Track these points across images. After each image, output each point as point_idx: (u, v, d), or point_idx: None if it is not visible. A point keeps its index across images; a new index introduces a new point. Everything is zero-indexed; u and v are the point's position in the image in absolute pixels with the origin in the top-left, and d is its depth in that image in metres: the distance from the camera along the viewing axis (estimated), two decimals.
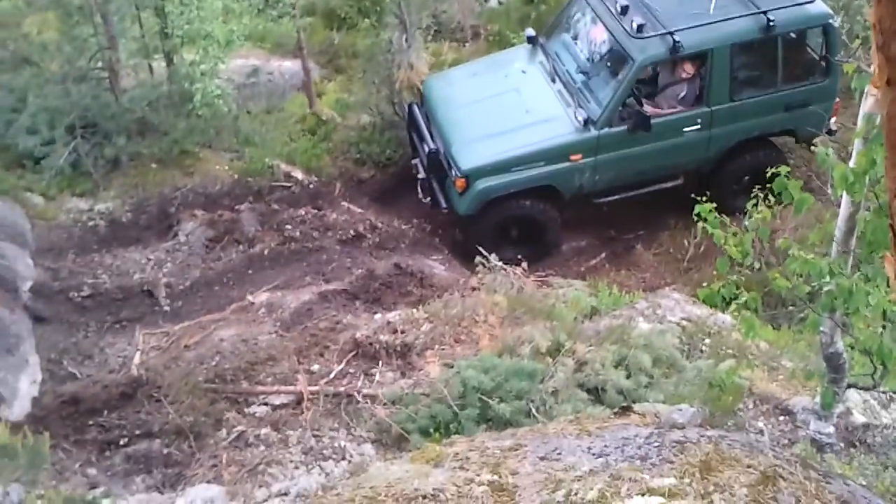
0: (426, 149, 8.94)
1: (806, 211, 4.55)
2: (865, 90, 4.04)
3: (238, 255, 8.46)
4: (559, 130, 8.73)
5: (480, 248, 8.03)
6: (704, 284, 4.60)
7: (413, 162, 9.56)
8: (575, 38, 9.48)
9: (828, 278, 4.10)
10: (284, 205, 9.20)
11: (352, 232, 8.83)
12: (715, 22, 8.57)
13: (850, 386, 5.19)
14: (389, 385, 6.40)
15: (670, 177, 9.21)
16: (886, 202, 3.78)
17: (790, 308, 7.28)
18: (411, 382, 6.40)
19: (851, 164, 4.08)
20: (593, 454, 3.80)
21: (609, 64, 8.94)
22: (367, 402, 6.24)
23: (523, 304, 7.25)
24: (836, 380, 5.02)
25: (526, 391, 5.85)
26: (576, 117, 8.68)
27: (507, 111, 8.97)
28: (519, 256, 8.30)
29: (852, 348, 5.05)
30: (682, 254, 9.00)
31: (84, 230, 8.65)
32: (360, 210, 9.44)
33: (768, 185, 4.44)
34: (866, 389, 5.46)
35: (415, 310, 7.26)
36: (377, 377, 6.55)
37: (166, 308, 7.86)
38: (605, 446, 3.84)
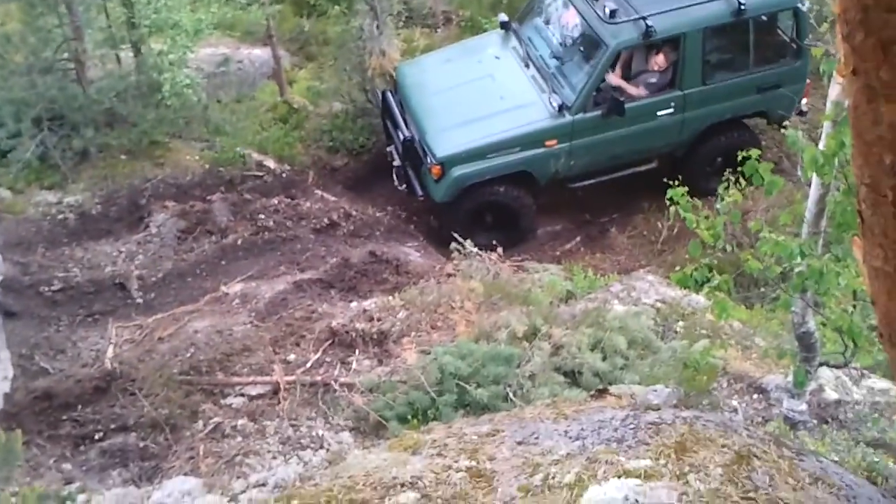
0: (401, 136, 8.91)
1: (777, 192, 4.59)
2: (833, 74, 4.08)
3: (211, 245, 8.40)
4: (534, 116, 8.74)
5: (455, 235, 8.03)
6: (678, 268, 4.64)
7: (388, 149, 9.53)
8: (547, 22, 9.47)
9: (799, 259, 4.15)
10: (257, 194, 9.13)
11: (326, 220, 8.79)
12: (687, 6, 8.61)
13: (822, 364, 5.26)
14: (366, 373, 6.40)
15: (644, 160, 9.25)
16: (855, 184, 3.83)
17: (762, 289, 7.36)
18: (388, 370, 6.40)
19: (821, 146, 4.12)
20: (570, 437, 3.82)
21: (582, 49, 8.94)
22: (344, 391, 6.24)
23: (499, 290, 7.27)
24: (808, 358, 5.09)
25: (503, 376, 5.88)
26: (550, 103, 8.68)
27: (482, 98, 8.96)
28: (494, 242, 8.30)
29: (824, 326, 5.12)
30: (656, 236, 9.07)
31: (53, 223, 8.54)
32: (333, 198, 9.40)
33: (740, 168, 4.47)
34: (838, 367, 5.54)
35: (391, 297, 7.26)
36: (354, 365, 6.54)
37: (139, 300, 7.78)
38: (582, 429, 3.87)
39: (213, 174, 9.31)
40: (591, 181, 9.17)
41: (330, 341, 6.76)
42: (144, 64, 9.21)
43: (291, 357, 6.67)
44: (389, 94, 9.42)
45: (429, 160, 8.64)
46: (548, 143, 8.72)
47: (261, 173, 9.52)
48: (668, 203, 4.72)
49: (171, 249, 8.36)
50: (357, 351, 6.69)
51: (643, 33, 8.43)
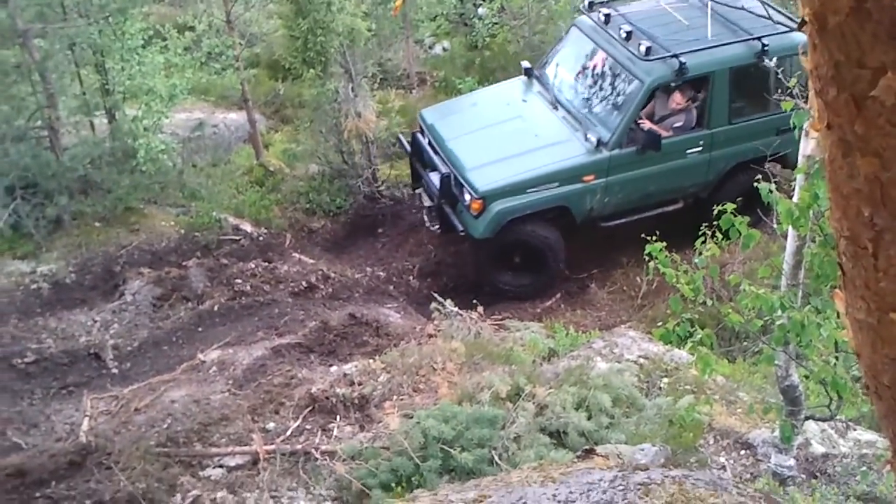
0: (440, 173, 8.95)
1: (754, 245, 4.59)
2: (804, 127, 4.12)
3: (187, 312, 8.28)
4: (571, 152, 8.91)
5: (485, 276, 8.39)
6: (659, 323, 4.60)
7: (416, 192, 9.66)
8: (572, 67, 9.71)
9: (780, 312, 4.13)
10: (233, 259, 9.06)
11: (304, 283, 8.71)
12: (714, 46, 8.85)
13: (807, 417, 5.21)
14: (348, 440, 6.26)
15: (671, 200, 9.38)
16: (832, 235, 3.84)
17: (744, 342, 7.34)
18: (370, 436, 6.26)
19: (795, 198, 4.14)
20: (559, 501, 3.74)
21: (615, 87, 9.15)
22: (325, 459, 6.09)
23: (481, 350, 7.20)
24: (794, 412, 5.04)
25: (487, 438, 5.77)
26: (587, 139, 8.85)
27: (516, 136, 9.13)
28: (522, 284, 8.67)
29: (807, 379, 5.09)
30: (636, 291, 9.06)
31: (27, 293, 8.40)
32: (311, 260, 9.34)
33: (716, 223, 4.48)
34: (823, 420, 5.49)
35: (371, 360, 7.16)
36: (335, 432, 6.41)
37: (114, 371, 7.63)
38: (571, 492, 3.79)
39: (188, 239, 9.24)
40: (622, 220, 9.24)
41: (310, 408, 6.62)
42: (119, 130, 9.21)
43: (271, 425, 6.52)
44: (419, 136, 9.52)
45: (467, 196, 8.69)
46: (585, 178, 8.87)
47: (237, 237, 9.47)
48: (646, 258, 4.71)
49: (146, 317, 8.23)
50: (338, 417, 6.56)
51: (676, 71, 8.66)
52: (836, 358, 4.24)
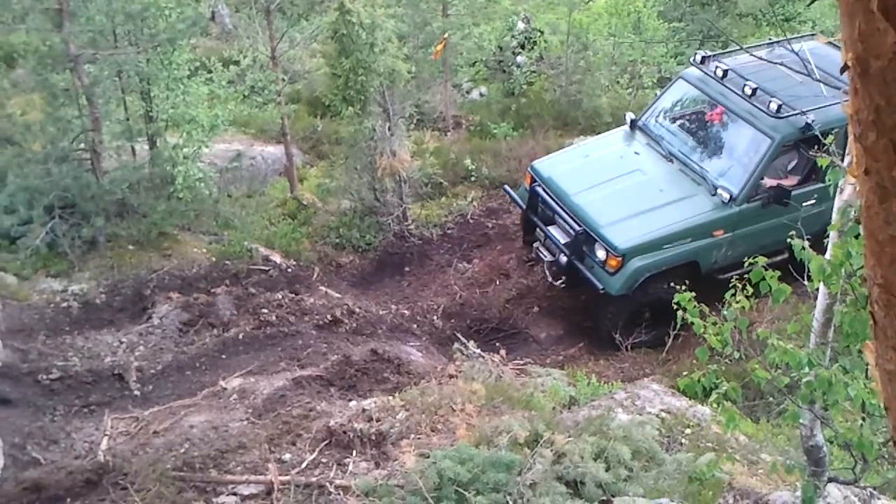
0: (571, 229, 8.96)
1: (783, 303, 4.56)
2: (840, 184, 4.12)
3: (212, 338, 8.34)
4: (701, 207, 8.97)
5: (615, 334, 8.37)
6: (684, 374, 4.56)
7: (534, 245, 9.60)
8: (680, 119, 9.79)
9: (807, 369, 4.08)
10: (261, 288, 9.14)
11: (329, 317, 8.75)
12: (830, 105, 8.84)
13: (830, 480, 5.10)
14: (363, 475, 6.23)
15: (780, 251, 9.40)
16: (863, 294, 3.81)
17: (769, 400, 7.23)
18: (385, 473, 6.23)
19: (827, 255, 4.11)
20: None
21: (736, 142, 9.23)
22: (339, 494, 6.06)
23: (501, 393, 7.16)
24: (817, 473, 4.94)
25: (503, 483, 5.71)
26: (716, 193, 8.89)
27: (641, 190, 9.16)
28: (644, 340, 8.74)
29: (832, 442, 4.99)
30: (661, 344, 8.98)
31: (56, 311, 8.52)
32: (337, 295, 9.39)
33: (746, 276, 4.46)
34: (847, 484, 5.37)
35: (391, 397, 7.14)
36: (350, 467, 6.38)
37: (136, 392, 7.68)
38: None
39: (219, 267, 9.34)
40: (736, 272, 9.23)
41: (327, 441, 6.61)
42: (159, 157, 9.39)
43: (287, 456, 6.51)
44: (540, 190, 9.46)
45: (601, 253, 8.71)
46: (716, 232, 8.95)
47: (266, 268, 9.55)
48: (674, 309, 4.68)
49: (172, 341, 8.30)
50: (354, 452, 6.53)
51: (802, 128, 8.74)
52: (863, 419, 4.17)
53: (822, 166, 4.73)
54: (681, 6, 14.51)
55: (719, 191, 8.89)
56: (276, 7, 10.54)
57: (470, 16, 12.54)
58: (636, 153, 9.66)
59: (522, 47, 14.09)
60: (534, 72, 13.91)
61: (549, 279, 9.42)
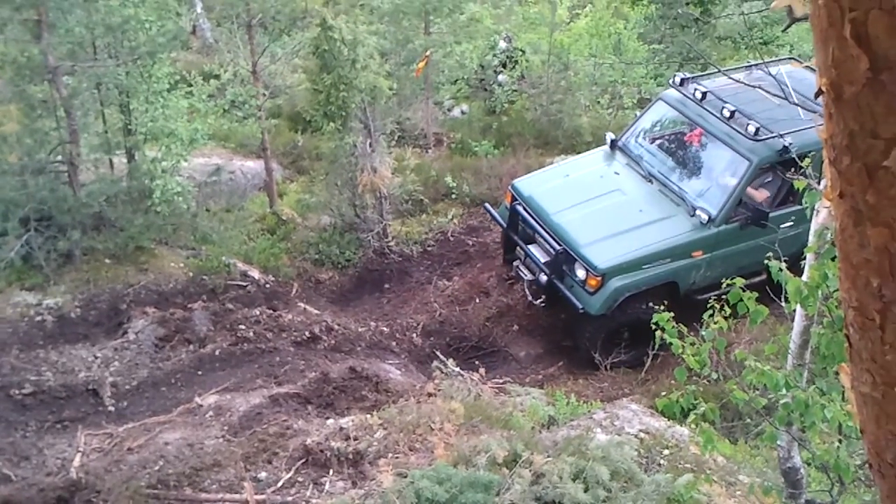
0: (551, 248, 8.96)
1: (760, 324, 4.57)
2: (816, 206, 4.14)
3: (188, 354, 8.25)
4: (680, 228, 9.00)
5: (594, 353, 8.38)
6: (663, 394, 4.55)
7: (514, 264, 9.60)
8: (659, 140, 9.85)
9: (784, 391, 4.09)
10: (239, 304, 9.06)
11: (307, 333, 8.68)
12: (807, 128, 8.91)
13: (807, 502, 5.11)
14: (339, 495, 6.17)
15: (758, 272, 9.45)
16: (840, 316, 3.83)
17: (747, 421, 7.24)
18: (363, 493, 6.17)
19: (804, 277, 4.13)
20: None
21: (715, 164, 9.29)
22: None
23: (480, 412, 7.12)
24: (794, 495, 4.95)
25: None
26: (695, 214, 8.95)
27: (621, 211, 9.18)
28: (623, 360, 8.78)
29: (809, 464, 5.00)
30: (640, 364, 8.98)
31: (30, 325, 8.40)
32: (316, 311, 9.33)
33: (724, 297, 4.47)
34: None
35: (369, 415, 7.09)
36: (327, 486, 6.32)
37: (111, 408, 7.58)
38: None
39: (196, 282, 9.26)
40: (716, 293, 9.26)
41: (303, 460, 6.55)
42: (137, 170, 9.30)
43: (262, 475, 6.44)
44: (519, 209, 9.46)
45: (582, 273, 8.72)
46: (694, 253, 8.99)
47: (244, 283, 9.48)
48: (652, 329, 4.69)
49: (147, 357, 8.20)
50: (331, 471, 6.47)
51: (779, 151, 8.81)
52: (840, 441, 4.18)
53: (798, 189, 4.76)
54: (660, 29, 14.62)
55: (698, 212, 8.96)
56: (257, 22, 10.51)
57: (452, 34, 12.58)
58: (616, 173, 9.71)
59: (504, 66, 14.16)
60: (515, 90, 13.98)
61: (529, 298, 9.43)
